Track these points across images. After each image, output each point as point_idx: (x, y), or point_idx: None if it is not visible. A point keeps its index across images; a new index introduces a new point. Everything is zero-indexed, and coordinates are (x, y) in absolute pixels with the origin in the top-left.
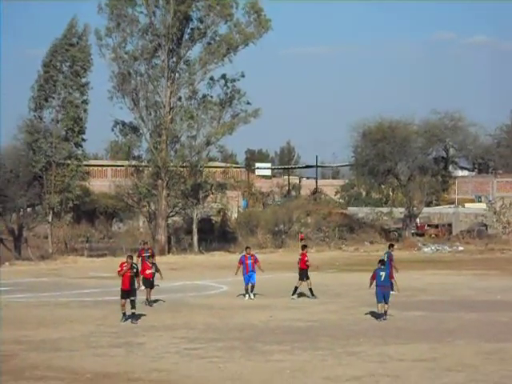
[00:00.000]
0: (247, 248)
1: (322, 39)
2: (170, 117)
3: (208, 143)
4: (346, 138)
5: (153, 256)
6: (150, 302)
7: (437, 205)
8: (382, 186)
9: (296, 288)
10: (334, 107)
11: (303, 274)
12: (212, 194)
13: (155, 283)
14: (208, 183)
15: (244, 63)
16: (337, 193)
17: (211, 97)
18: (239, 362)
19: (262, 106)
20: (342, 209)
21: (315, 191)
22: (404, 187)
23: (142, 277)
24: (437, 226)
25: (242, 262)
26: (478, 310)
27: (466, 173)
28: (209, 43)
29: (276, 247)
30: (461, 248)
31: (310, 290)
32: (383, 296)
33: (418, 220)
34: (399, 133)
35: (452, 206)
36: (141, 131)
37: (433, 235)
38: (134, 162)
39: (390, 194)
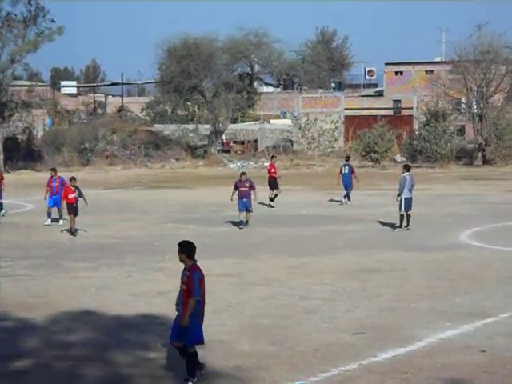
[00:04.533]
0: (52, 170)
1: None
2: None
3: (13, 61)
4: (152, 56)
5: (2, 179)
6: (74, 231)
7: (242, 121)
8: (188, 103)
9: (275, 195)
10: (138, 25)
11: (273, 184)
12: (17, 112)
13: None
14: (13, 102)
15: None
16: (143, 110)
17: (15, 15)
18: (45, 279)
19: (67, 24)
20: (148, 126)
21: (121, 109)
22: (209, 104)
23: (64, 202)
24: (242, 143)
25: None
26: (284, 224)
27: (271, 89)
28: None
29: (82, 165)
30: (266, 164)
31: (271, 198)
32: (245, 205)
33: (223, 136)
34: (204, 49)
35: (257, 122)
36: None
37: (238, 151)
38: None
39: (196, 110)
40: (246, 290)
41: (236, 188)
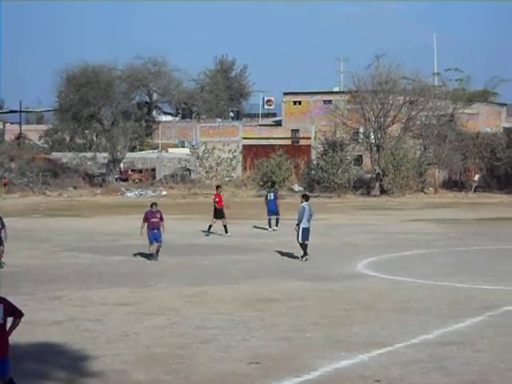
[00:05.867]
0: None
1: None
2: None
3: None
4: (51, 83)
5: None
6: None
7: (141, 150)
8: (86, 131)
9: (225, 226)
10: (37, 52)
11: (219, 213)
12: None
13: None
14: None
15: None
16: (41, 138)
17: None
18: None
19: None
20: (46, 154)
21: (19, 136)
22: (108, 132)
23: None
24: (140, 171)
25: None
26: (181, 253)
27: (169, 118)
28: None
29: None
30: (164, 192)
31: (225, 226)
32: (155, 237)
33: (121, 165)
34: (103, 78)
35: (156, 150)
36: None
37: (136, 180)
38: None
39: (94, 139)
40: (142, 319)
41: (146, 219)
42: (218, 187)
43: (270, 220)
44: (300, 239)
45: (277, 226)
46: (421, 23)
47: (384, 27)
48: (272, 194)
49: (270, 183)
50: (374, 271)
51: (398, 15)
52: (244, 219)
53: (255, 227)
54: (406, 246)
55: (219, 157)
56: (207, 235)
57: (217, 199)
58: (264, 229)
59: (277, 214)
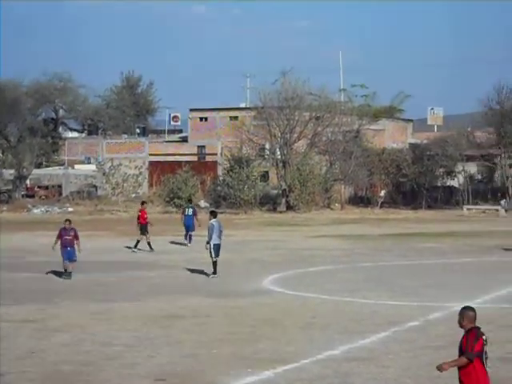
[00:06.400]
0: None
1: None
2: None
3: None
4: None
5: None
6: None
7: (47, 166)
8: None
9: (138, 242)
10: None
11: (143, 229)
12: None
13: None
14: None
15: None
16: None
17: None
18: None
19: None
20: None
21: None
22: (14, 149)
23: None
24: (47, 188)
25: None
26: (87, 270)
27: (75, 134)
28: None
29: None
30: (70, 209)
31: (149, 243)
32: (69, 255)
33: (27, 181)
34: (9, 94)
35: (62, 167)
36: None
37: (43, 197)
38: None
39: (0, 155)
40: (49, 336)
41: (60, 236)
42: (143, 203)
43: (186, 235)
44: (213, 256)
45: (190, 242)
46: (327, 41)
47: (291, 45)
48: (190, 210)
49: (187, 199)
50: (279, 287)
51: (305, 33)
52: (151, 235)
53: (172, 243)
54: (311, 262)
55: (125, 173)
56: (134, 251)
57: (145, 216)
58: (184, 244)
59: (192, 230)
